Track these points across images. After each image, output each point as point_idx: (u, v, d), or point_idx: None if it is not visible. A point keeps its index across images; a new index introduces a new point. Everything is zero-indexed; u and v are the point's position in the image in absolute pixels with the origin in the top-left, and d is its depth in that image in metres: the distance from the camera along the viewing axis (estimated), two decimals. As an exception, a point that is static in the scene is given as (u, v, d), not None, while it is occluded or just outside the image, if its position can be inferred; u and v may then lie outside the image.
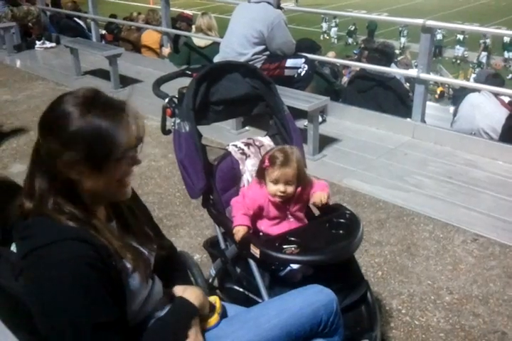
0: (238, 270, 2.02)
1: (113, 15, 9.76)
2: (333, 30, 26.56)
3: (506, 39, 21.14)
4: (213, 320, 1.43)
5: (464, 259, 2.73)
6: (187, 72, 2.21)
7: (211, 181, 1.98)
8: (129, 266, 1.24)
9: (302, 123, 3.93)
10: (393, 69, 4.98)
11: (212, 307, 1.45)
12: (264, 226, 1.92)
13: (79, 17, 7.87)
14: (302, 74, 4.35)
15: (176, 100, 2.03)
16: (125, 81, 5.64)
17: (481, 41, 21.88)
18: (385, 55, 4.83)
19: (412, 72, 4.63)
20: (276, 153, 1.87)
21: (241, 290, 2.00)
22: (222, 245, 2.06)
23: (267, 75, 2.20)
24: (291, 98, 3.71)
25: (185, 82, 2.03)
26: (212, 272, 2.17)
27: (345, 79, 6.56)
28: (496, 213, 3.10)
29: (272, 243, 1.78)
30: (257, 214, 1.91)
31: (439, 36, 20.93)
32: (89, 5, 6.93)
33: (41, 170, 1.21)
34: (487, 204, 3.20)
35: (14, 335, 1.07)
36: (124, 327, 1.19)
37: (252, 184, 1.99)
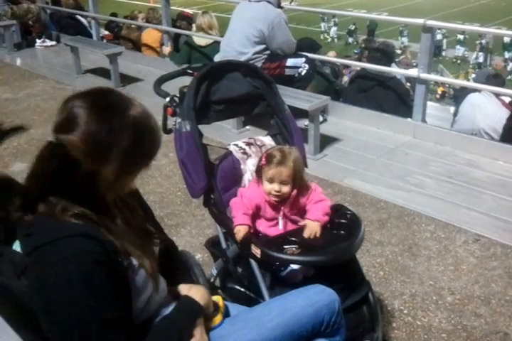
0: (239, 270, 2.01)
1: (113, 14, 9.75)
2: (333, 29, 26.55)
3: (506, 39, 21.12)
4: (217, 319, 1.43)
5: (465, 260, 2.73)
6: (188, 71, 2.20)
7: (212, 180, 1.98)
8: (135, 262, 1.24)
9: (303, 122, 3.92)
10: (394, 69, 4.98)
11: (215, 307, 1.44)
12: (262, 226, 1.92)
13: (80, 15, 7.86)
14: (303, 73, 4.34)
15: (177, 99, 2.02)
16: (125, 79, 5.64)
17: (477, 42, 21.86)
18: (386, 55, 4.84)
19: (413, 72, 4.62)
20: (274, 151, 1.87)
21: (242, 289, 2.00)
22: (224, 245, 2.05)
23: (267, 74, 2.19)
24: (291, 97, 3.70)
25: (186, 81, 2.02)
26: (214, 271, 2.16)
27: (345, 79, 6.54)
28: (497, 213, 3.10)
29: (273, 243, 1.78)
30: (256, 214, 1.90)
31: (438, 36, 20.92)
32: (90, 3, 6.91)
33: (50, 168, 1.16)
34: (488, 205, 3.20)
35: (17, 334, 1.06)
36: (129, 324, 1.19)
37: (250, 184, 1.99)
